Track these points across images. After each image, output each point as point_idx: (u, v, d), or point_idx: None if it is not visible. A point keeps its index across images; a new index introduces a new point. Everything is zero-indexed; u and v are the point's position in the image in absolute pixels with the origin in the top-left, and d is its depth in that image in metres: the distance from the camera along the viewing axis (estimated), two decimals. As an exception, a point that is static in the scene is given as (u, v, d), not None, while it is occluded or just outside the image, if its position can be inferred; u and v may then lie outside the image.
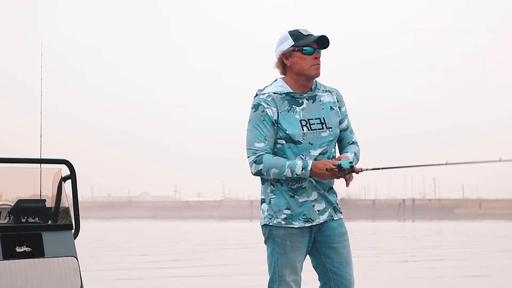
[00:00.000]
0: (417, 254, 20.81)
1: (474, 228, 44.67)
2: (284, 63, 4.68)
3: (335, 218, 4.73)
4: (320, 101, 4.71)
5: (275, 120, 4.62)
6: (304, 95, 4.69)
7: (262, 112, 4.61)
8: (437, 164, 4.99)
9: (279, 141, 4.64)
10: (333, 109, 4.74)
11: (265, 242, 4.74)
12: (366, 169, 4.63)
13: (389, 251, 22.11)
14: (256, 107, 4.64)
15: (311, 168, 4.54)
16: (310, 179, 4.63)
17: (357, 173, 4.60)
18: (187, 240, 30.52)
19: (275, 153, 4.64)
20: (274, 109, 4.62)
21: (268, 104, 4.62)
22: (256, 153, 4.59)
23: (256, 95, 4.70)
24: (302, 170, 4.53)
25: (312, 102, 4.69)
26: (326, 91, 4.77)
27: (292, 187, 4.63)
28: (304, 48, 4.62)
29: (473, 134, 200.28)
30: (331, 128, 4.69)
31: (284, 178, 4.59)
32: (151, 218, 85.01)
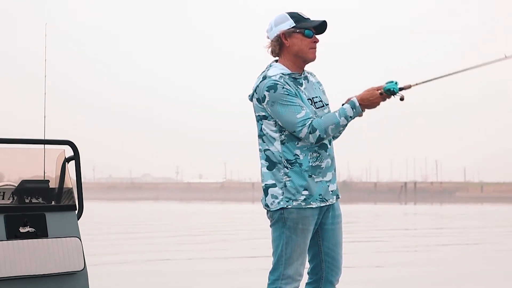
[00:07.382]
0: (418, 237, 20.85)
1: (476, 211, 44.73)
2: (282, 43, 4.69)
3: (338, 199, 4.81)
4: (311, 81, 4.80)
5: (294, 93, 4.63)
6: (301, 75, 4.74)
7: (282, 88, 4.58)
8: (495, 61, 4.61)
9: None
10: (321, 88, 4.86)
11: (273, 224, 4.66)
12: (416, 84, 4.61)
13: (391, 233, 22.15)
14: (273, 87, 4.59)
15: (359, 104, 4.58)
16: (328, 159, 4.66)
17: (406, 89, 4.57)
18: (188, 222, 30.58)
19: (292, 134, 4.61)
20: (289, 86, 4.64)
21: (283, 82, 4.61)
22: (305, 123, 4.55)
23: (264, 78, 4.65)
24: (353, 110, 4.59)
25: (307, 83, 4.77)
26: (309, 73, 4.85)
27: (313, 164, 4.61)
28: (306, 30, 4.66)
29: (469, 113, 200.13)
30: (327, 105, 4.81)
31: (342, 129, 4.67)
32: (152, 200, 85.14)
